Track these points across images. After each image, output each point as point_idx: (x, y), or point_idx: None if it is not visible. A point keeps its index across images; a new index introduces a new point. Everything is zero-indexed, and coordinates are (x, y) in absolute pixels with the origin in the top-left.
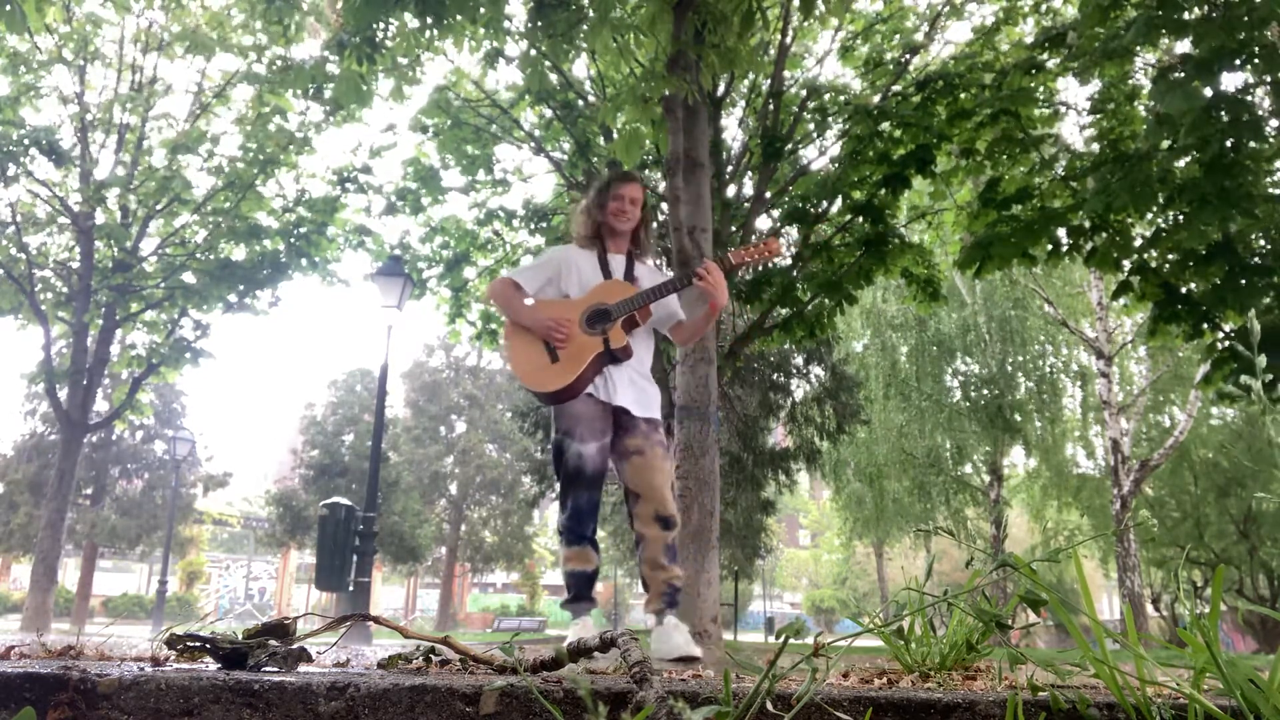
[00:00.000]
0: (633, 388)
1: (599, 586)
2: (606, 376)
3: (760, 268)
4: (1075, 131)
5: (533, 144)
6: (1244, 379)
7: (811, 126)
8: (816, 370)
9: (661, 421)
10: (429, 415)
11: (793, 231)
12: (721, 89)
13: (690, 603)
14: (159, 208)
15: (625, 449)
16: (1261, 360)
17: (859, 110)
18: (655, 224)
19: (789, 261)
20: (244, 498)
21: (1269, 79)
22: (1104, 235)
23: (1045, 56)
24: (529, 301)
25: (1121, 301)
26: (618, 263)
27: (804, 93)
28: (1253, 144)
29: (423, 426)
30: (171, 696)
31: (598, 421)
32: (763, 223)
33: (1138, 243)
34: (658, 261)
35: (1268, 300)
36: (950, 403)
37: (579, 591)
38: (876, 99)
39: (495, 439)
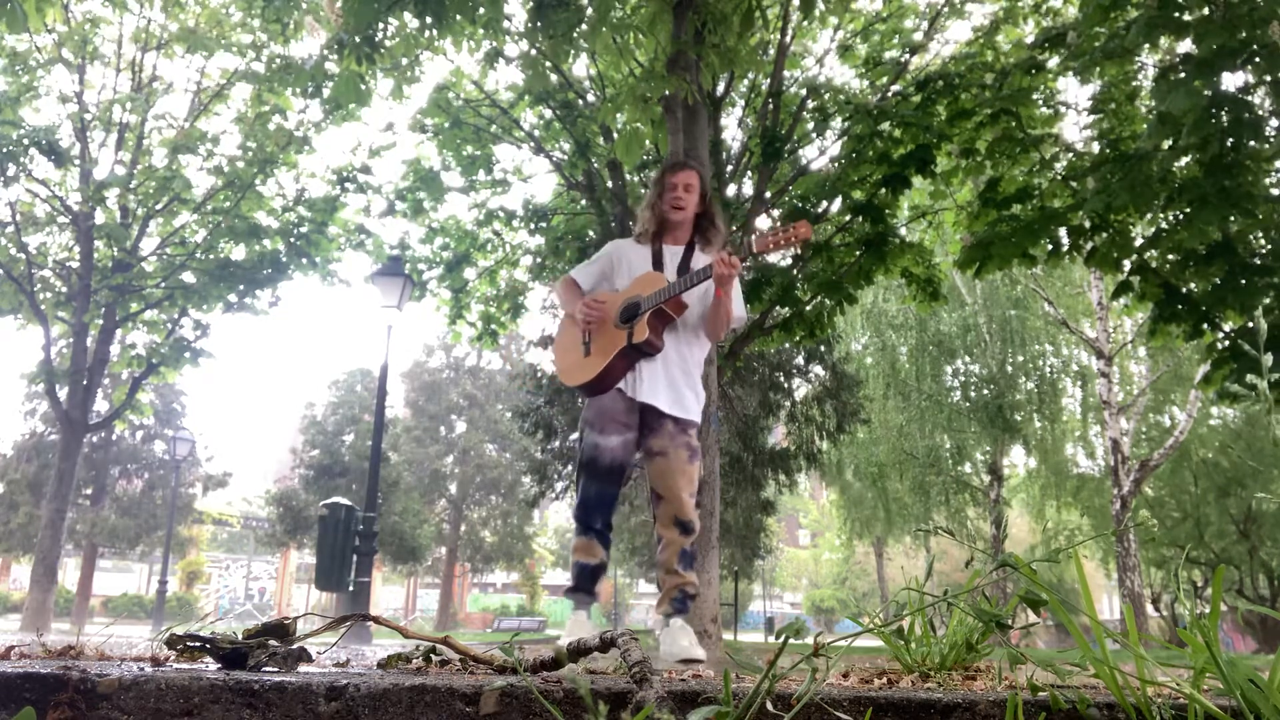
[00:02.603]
0: (667, 385)
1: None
2: (637, 372)
3: (756, 262)
4: (1075, 131)
5: (532, 144)
6: (1249, 378)
7: (811, 126)
8: (816, 370)
9: (695, 423)
10: (429, 415)
11: None
12: (721, 89)
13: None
14: (159, 207)
15: (650, 449)
16: (1268, 359)
17: (859, 110)
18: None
19: (789, 261)
20: (244, 498)
21: (1269, 79)
22: (1104, 235)
23: (1045, 56)
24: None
25: (1121, 301)
26: (673, 254)
27: (804, 92)
28: (1253, 144)
29: (423, 426)
30: (171, 696)
31: (621, 416)
32: (762, 223)
33: (1138, 243)
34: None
35: (1268, 300)
36: (950, 403)
37: (579, 583)
38: (876, 99)
39: (495, 439)
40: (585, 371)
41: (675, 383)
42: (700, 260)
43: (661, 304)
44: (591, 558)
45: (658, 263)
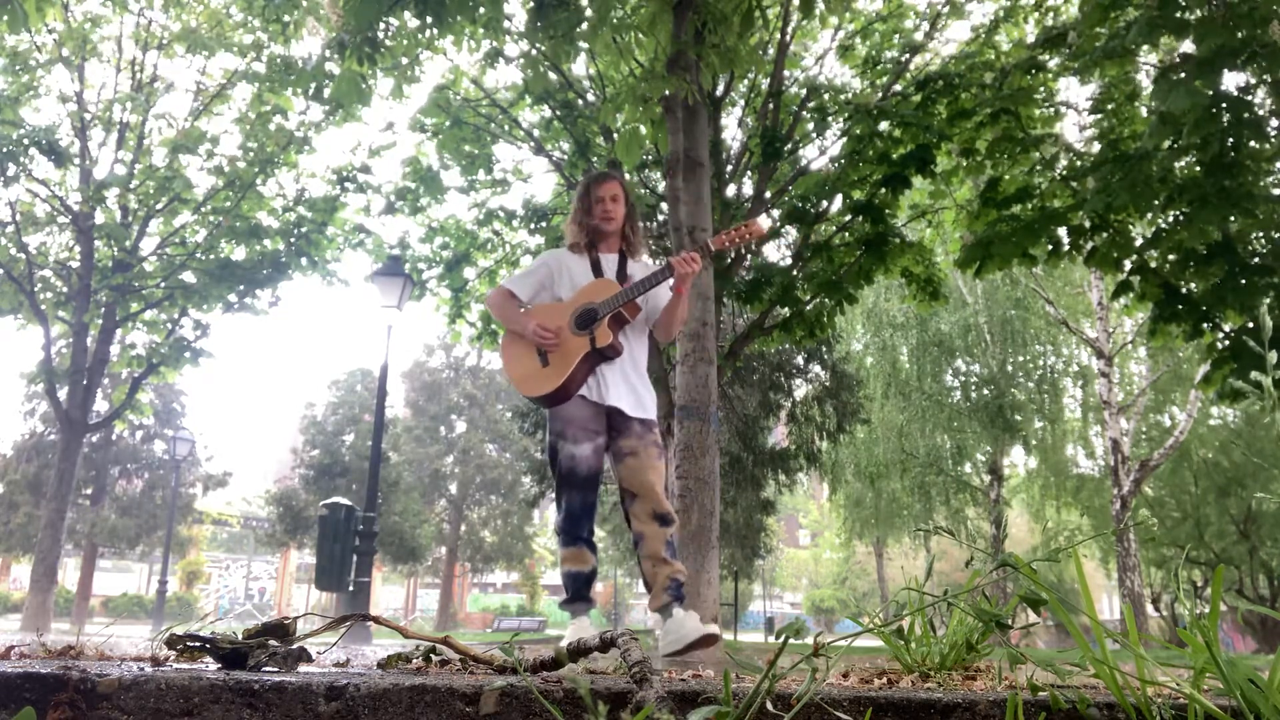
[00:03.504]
0: (627, 388)
1: (599, 586)
2: (599, 377)
3: (756, 262)
4: (1075, 131)
5: (532, 144)
6: (1254, 375)
7: (811, 126)
8: (816, 370)
9: (657, 422)
10: (429, 415)
11: (793, 231)
12: (721, 89)
13: (690, 603)
14: (159, 207)
15: (620, 450)
16: (1273, 356)
17: (859, 110)
18: (641, 220)
19: (789, 261)
20: (244, 498)
21: (1269, 79)
22: (1104, 235)
23: (1045, 56)
24: (523, 309)
25: (1121, 301)
26: (610, 262)
27: (804, 92)
28: (1253, 144)
29: (423, 426)
30: (171, 696)
31: (590, 423)
32: (762, 223)
33: (1138, 243)
34: (658, 260)
35: (1268, 300)
36: (950, 403)
37: (576, 591)
38: (877, 98)
39: (495, 439)
40: (548, 381)
41: (633, 384)
42: (634, 267)
43: (620, 307)
44: (584, 565)
45: (597, 271)
